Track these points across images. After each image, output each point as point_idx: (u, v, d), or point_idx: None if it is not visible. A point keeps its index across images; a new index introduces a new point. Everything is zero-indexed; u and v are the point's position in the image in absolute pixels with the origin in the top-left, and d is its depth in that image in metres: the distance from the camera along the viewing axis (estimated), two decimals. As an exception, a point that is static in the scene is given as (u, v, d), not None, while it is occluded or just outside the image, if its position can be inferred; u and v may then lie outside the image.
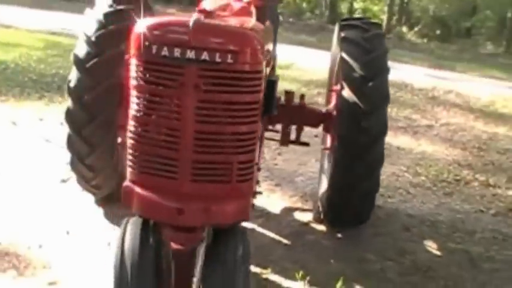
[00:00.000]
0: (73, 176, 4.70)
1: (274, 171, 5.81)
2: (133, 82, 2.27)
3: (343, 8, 31.08)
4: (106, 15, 3.92)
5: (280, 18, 5.21)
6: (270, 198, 5.05)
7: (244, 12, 3.07)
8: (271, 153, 6.26)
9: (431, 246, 4.64)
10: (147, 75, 2.20)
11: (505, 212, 5.70)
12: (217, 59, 2.12)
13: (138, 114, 2.27)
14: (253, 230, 4.33)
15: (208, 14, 2.25)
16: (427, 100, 11.09)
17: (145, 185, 2.28)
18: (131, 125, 2.31)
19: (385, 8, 29.46)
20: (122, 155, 3.86)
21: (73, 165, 4.09)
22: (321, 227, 4.61)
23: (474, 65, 18.81)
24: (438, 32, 28.50)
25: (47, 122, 6.42)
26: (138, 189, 2.28)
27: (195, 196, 2.24)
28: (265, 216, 4.66)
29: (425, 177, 6.38)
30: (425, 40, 27.28)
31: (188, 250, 2.29)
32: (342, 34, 4.23)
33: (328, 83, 5.14)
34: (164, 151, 2.23)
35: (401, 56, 17.28)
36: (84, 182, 4.19)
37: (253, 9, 2.80)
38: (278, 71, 11.63)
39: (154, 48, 2.14)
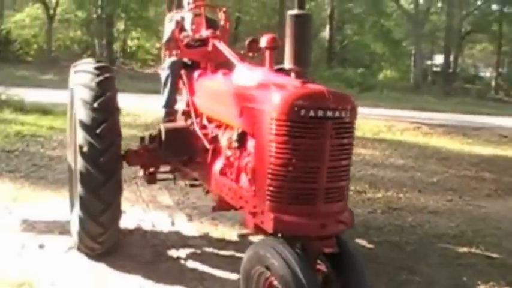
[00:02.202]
0: (48, 241, 5.23)
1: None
2: (277, 137, 3.31)
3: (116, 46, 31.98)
4: (99, 83, 4.65)
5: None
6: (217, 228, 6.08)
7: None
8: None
9: (362, 242, 6.12)
10: (295, 131, 3.27)
11: (386, 210, 7.49)
12: (343, 115, 3.34)
13: (283, 161, 3.31)
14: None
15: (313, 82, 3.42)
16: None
17: (291, 213, 3.35)
18: (275, 169, 3.34)
19: (157, 44, 31.16)
20: None
21: (82, 224, 4.64)
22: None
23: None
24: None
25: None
26: (286, 217, 3.34)
27: (327, 214, 3.39)
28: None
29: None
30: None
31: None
32: None
33: None
34: (305, 185, 3.33)
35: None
36: (90, 239, 4.74)
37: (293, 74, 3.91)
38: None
39: (302, 112, 3.24)
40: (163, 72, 5.53)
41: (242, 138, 3.88)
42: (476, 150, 13.43)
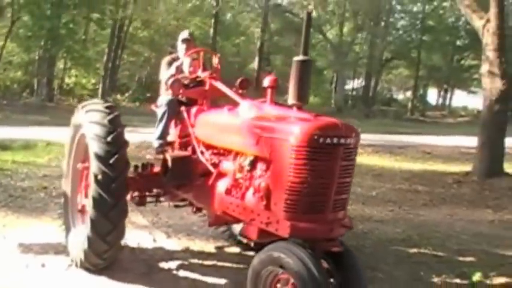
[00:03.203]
0: (47, 261, 5.56)
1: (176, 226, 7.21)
2: (297, 161, 3.85)
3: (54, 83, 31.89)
4: (111, 120, 5.09)
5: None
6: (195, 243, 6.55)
7: None
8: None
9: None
10: (313, 155, 3.82)
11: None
12: (351, 141, 3.94)
13: (302, 180, 3.85)
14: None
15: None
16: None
17: (305, 220, 3.90)
18: (293, 186, 3.88)
19: (93, 80, 31.38)
20: None
21: (90, 243, 5.00)
22: (235, 249, 6.40)
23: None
24: (148, 95, 31.39)
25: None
26: (301, 224, 3.89)
27: (334, 220, 3.99)
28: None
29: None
30: (137, 103, 29.89)
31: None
32: None
33: None
34: (318, 198, 3.89)
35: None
36: (96, 256, 5.09)
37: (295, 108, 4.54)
38: (61, 150, 12.42)
39: (321, 139, 3.81)
40: (161, 108, 5.88)
41: (254, 163, 4.38)
42: (405, 166, 14.42)
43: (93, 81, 33.10)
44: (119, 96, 30.40)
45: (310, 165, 3.85)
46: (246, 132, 4.46)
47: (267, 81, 4.65)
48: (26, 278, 5.17)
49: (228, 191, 4.67)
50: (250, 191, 4.41)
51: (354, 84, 49.46)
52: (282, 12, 38.19)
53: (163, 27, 33.48)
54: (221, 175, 4.87)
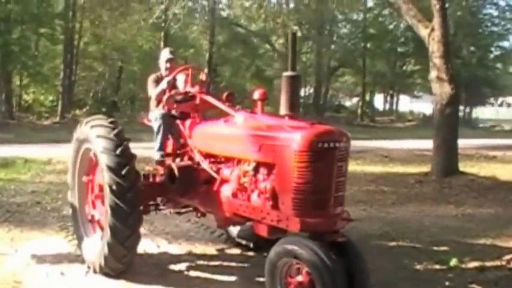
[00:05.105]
0: (64, 269, 5.94)
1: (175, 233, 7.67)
2: (300, 164, 4.39)
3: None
4: (117, 134, 5.55)
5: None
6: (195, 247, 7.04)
7: None
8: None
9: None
10: (313, 158, 4.38)
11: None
12: (344, 145, 4.50)
13: (305, 180, 4.40)
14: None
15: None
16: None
17: (312, 216, 4.45)
18: (299, 187, 4.42)
19: (50, 97, 31.28)
20: None
21: (110, 248, 5.43)
22: (235, 251, 6.91)
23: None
24: (104, 109, 31.39)
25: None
26: (309, 219, 4.44)
27: (336, 214, 4.55)
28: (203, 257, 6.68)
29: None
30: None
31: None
32: None
33: None
34: (321, 195, 4.45)
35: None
36: (116, 260, 5.52)
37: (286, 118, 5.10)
38: (41, 167, 12.66)
39: (319, 144, 4.38)
40: (156, 122, 6.31)
41: (257, 168, 4.91)
42: (368, 170, 15.19)
43: (50, 97, 33.01)
44: (77, 112, 30.37)
45: (312, 167, 4.39)
46: (248, 141, 4.99)
47: (257, 94, 5.30)
48: (50, 286, 5.54)
49: (234, 195, 5.19)
50: (256, 193, 4.93)
51: (305, 92, 50.38)
52: (228, 24, 38.79)
53: (111, 41, 33.59)
54: (225, 181, 5.39)
